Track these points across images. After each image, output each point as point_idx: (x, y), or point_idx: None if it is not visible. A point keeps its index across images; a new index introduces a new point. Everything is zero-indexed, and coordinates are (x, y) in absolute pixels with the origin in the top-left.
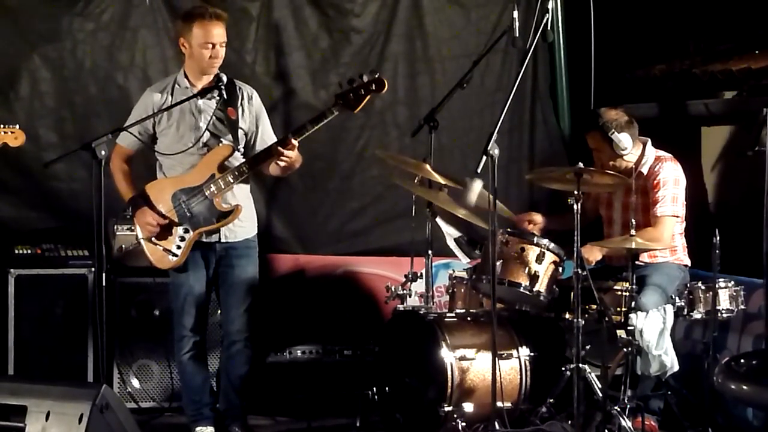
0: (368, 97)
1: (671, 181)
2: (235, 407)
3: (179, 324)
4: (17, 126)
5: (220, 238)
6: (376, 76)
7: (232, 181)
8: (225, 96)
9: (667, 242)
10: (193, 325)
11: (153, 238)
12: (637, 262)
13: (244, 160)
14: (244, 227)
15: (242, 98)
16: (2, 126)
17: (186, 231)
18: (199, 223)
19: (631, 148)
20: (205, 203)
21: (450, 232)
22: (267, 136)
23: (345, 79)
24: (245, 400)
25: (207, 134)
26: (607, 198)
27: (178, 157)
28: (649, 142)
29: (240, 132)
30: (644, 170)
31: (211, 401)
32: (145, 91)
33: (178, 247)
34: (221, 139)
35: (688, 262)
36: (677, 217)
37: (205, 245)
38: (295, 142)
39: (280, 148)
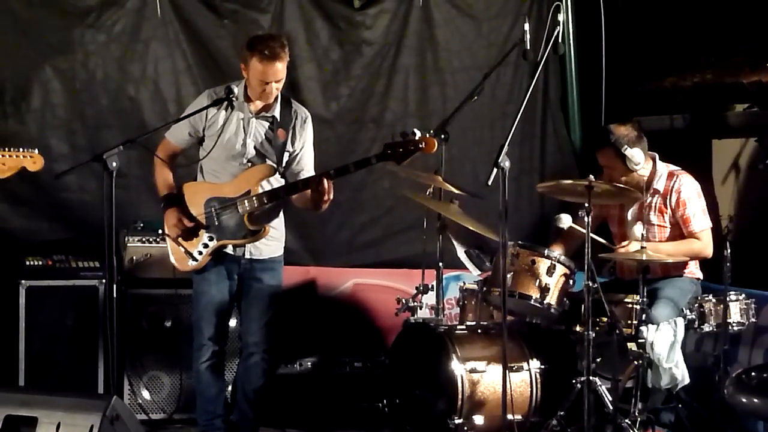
0: (416, 154)
1: (695, 196)
2: (248, 419)
3: (199, 333)
4: (36, 150)
5: (244, 254)
6: (428, 135)
7: (266, 202)
8: (278, 117)
9: (711, 251)
10: (213, 334)
11: (177, 238)
12: (649, 276)
13: (283, 182)
14: (269, 246)
15: (295, 121)
16: (21, 150)
17: (210, 239)
18: (225, 235)
19: (643, 162)
20: (235, 217)
21: (460, 244)
22: (305, 161)
23: (354, 89)
24: (258, 413)
25: (253, 151)
26: (618, 215)
27: (220, 166)
28: (657, 157)
29: (286, 154)
30: (659, 187)
31: (224, 413)
32: (203, 92)
33: (200, 253)
34: (266, 159)
35: (700, 275)
36: (711, 225)
37: (231, 257)
38: (330, 182)
39: (323, 181)
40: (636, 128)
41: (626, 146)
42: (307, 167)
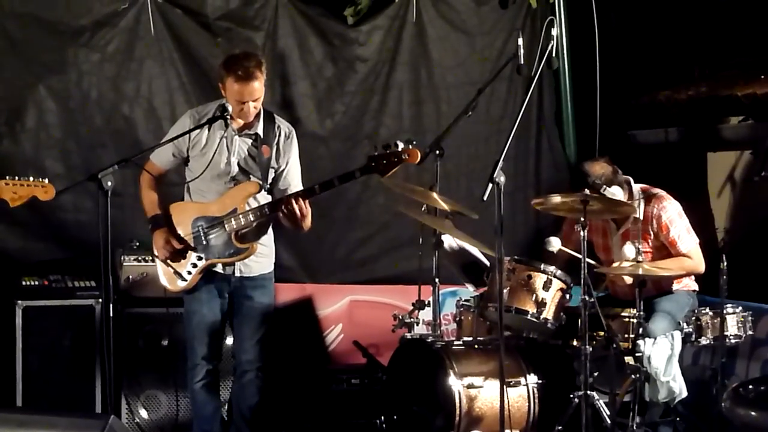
0: (399, 165)
1: (676, 217)
2: None
3: (192, 352)
4: (46, 180)
5: (234, 272)
6: (411, 145)
7: (252, 220)
8: (261, 134)
9: (703, 267)
10: (206, 353)
11: (166, 259)
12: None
13: (270, 198)
14: (260, 263)
15: (279, 136)
16: (32, 179)
17: (199, 258)
18: (213, 254)
19: (621, 195)
20: (223, 236)
21: (461, 245)
22: (291, 176)
23: (349, 106)
24: (255, 431)
25: (237, 169)
26: (603, 243)
27: (206, 185)
28: (632, 181)
29: (271, 171)
30: (639, 215)
31: (220, 431)
32: (187, 111)
33: (189, 273)
34: (250, 176)
35: (696, 287)
36: (698, 241)
37: (221, 276)
38: (300, 202)
39: (291, 202)
40: (609, 163)
41: (605, 186)
42: (293, 182)
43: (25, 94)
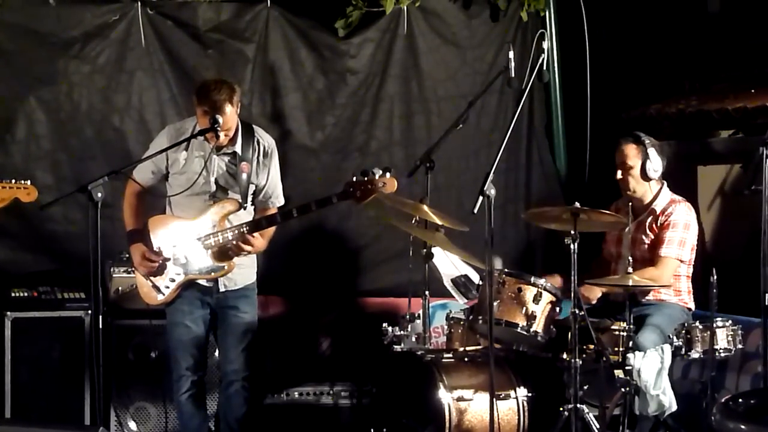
0: (376, 193)
1: (681, 225)
2: None
3: (176, 364)
4: (29, 182)
5: (218, 287)
6: (388, 175)
7: (230, 238)
8: (239, 152)
9: (665, 282)
10: (191, 364)
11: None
12: (645, 299)
13: (252, 213)
14: (242, 274)
15: (258, 152)
16: (14, 181)
17: (178, 274)
18: (192, 271)
19: (657, 176)
20: (201, 253)
21: (447, 273)
22: (271, 188)
23: (339, 118)
24: None
25: (215, 187)
26: (616, 235)
27: (186, 201)
28: (665, 184)
29: (251, 186)
30: (657, 208)
31: None
32: (166, 126)
33: (167, 287)
34: (229, 193)
35: (693, 307)
36: (681, 261)
37: (203, 288)
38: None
39: (244, 237)
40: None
41: (652, 147)
42: (273, 196)
43: (15, 106)
